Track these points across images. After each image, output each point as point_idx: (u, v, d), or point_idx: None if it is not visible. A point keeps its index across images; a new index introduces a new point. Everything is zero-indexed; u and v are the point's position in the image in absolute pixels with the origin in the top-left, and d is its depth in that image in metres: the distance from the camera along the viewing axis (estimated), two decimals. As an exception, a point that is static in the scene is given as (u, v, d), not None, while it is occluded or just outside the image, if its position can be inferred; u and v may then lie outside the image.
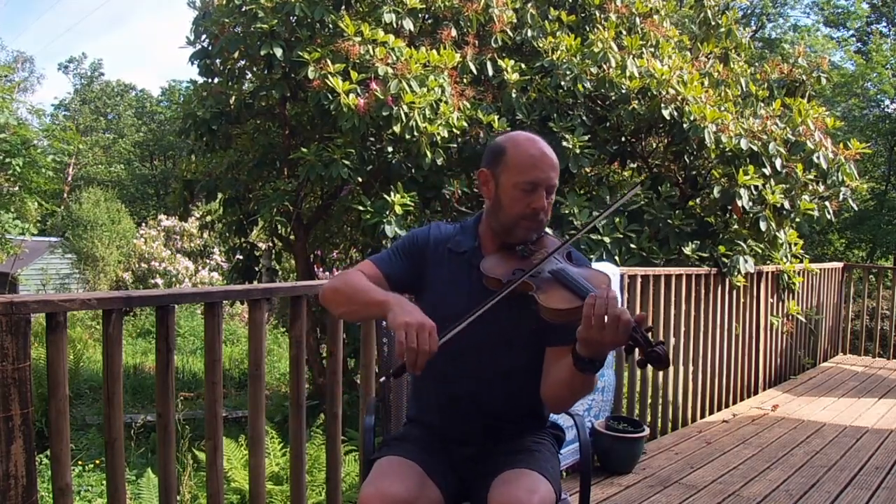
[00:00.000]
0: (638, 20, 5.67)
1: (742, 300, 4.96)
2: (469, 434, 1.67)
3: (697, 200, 5.38)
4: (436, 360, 1.43)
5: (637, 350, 1.38)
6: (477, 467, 1.63)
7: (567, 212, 4.61)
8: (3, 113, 6.91)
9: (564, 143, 4.68)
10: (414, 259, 1.71)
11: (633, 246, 4.62)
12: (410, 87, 4.39)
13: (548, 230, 1.72)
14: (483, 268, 1.59)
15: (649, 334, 1.38)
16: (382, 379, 1.73)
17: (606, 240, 4.52)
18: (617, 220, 4.69)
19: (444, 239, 1.72)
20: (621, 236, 4.61)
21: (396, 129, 4.33)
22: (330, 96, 4.40)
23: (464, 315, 1.48)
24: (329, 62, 4.48)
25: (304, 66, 4.56)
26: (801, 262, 5.54)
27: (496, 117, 4.75)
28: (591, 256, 4.40)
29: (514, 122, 4.83)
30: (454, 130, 4.60)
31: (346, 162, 4.57)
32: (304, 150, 4.72)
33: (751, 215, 4.73)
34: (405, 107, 4.33)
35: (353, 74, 4.43)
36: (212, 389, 2.16)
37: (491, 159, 1.66)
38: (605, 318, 1.33)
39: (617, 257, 4.51)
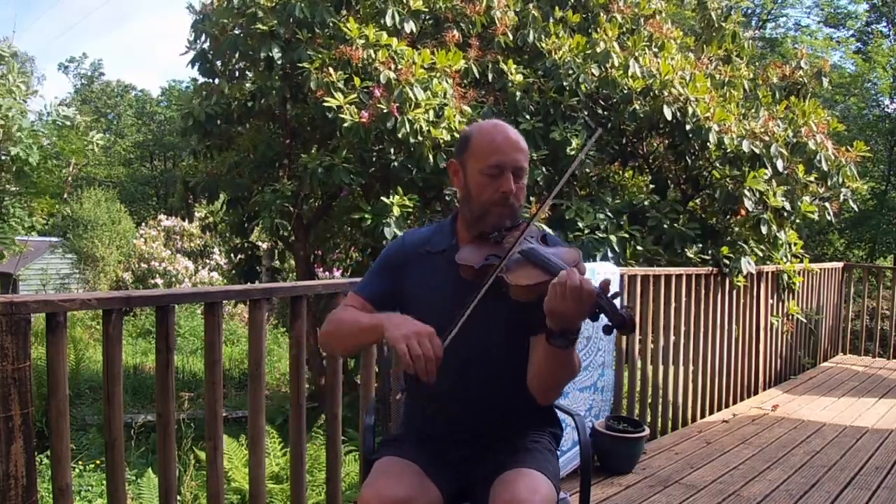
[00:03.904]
0: (642, 20, 5.66)
1: (742, 300, 4.95)
2: (462, 434, 1.66)
3: (698, 201, 5.37)
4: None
5: (603, 316, 1.38)
6: (475, 467, 1.63)
7: (570, 216, 4.61)
8: (18, 116, 6.86)
9: (569, 149, 4.69)
10: (392, 274, 1.72)
11: (639, 248, 4.62)
12: (414, 93, 4.37)
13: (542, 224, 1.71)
14: (458, 258, 1.57)
15: (616, 301, 1.38)
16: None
17: (612, 238, 4.52)
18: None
19: (420, 243, 1.72)
20: (626, 235, 4.60)
21: (400, 134, 4.32)
22: (334, 108, 4.38)
23: (453, 313, 1.47)
24: (331, 70, 4.46)
25: (305, 69, 4.55)
26: (802, 261, 5.54)
27: None
28: (596, 254, 4.40)
29: (517, 128, 4.80)
30: (456, 135, 4.60)
31: (347, 166, 4.57)
32: (304, 156, 4.72)
33: (752, 217, 4.74)
34: (409, 115, 4.32)
35: (357, 81, 4.42)
36: (212, 389, 2.16)
37: (458, 149, 1.68)
38: (568, 288, 1.34)
39: (621, 254, 4.50)
